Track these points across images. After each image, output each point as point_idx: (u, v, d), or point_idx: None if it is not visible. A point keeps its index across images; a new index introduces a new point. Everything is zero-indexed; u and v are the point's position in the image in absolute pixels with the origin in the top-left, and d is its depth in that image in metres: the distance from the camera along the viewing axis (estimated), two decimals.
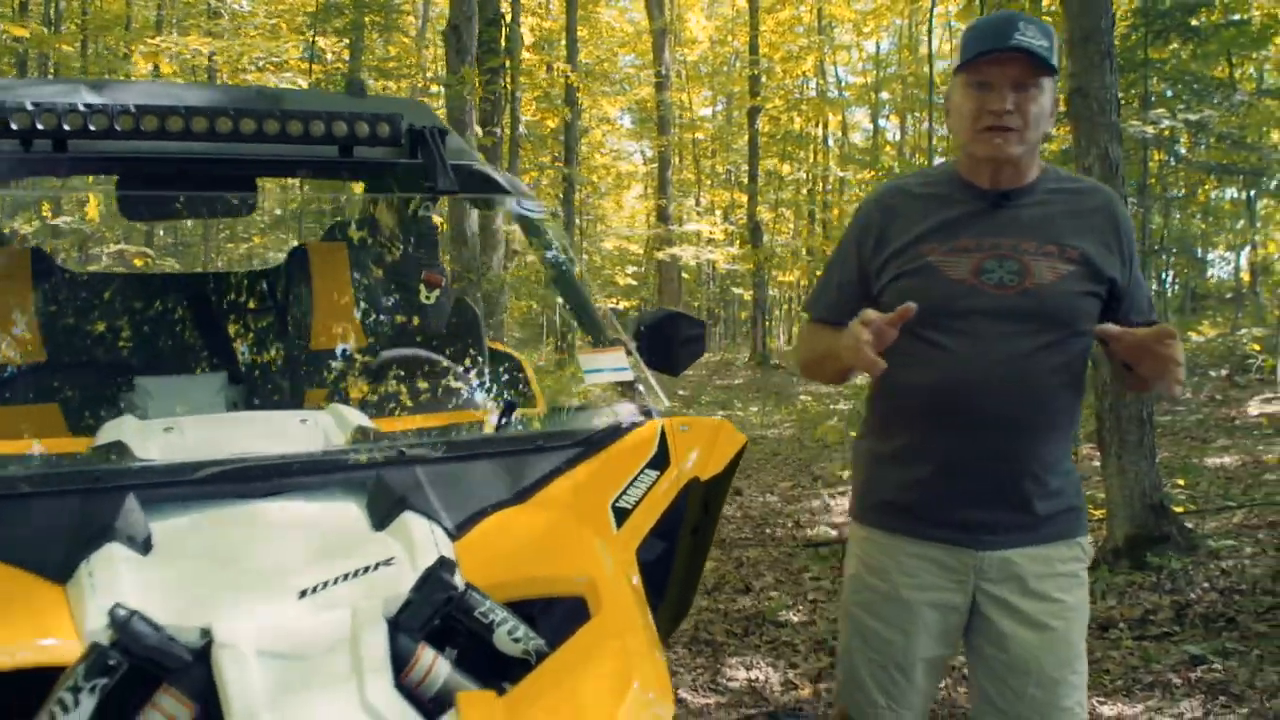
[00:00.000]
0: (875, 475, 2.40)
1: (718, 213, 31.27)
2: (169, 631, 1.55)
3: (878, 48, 33.36)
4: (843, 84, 33.12)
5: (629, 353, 2.36)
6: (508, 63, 14.14)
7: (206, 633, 1.57)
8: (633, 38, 26.55)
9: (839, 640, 2.50)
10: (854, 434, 2.74)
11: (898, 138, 32.29)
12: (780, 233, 29.69)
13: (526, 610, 1.82)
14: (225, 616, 1.59)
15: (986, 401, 2.24)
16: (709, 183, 33.39)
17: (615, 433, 2.19)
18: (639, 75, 27.11)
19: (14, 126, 2.17)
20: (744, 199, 24.89)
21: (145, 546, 1.76)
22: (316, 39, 14.15)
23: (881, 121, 33.30)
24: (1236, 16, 12.35)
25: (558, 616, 1.84)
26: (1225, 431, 9.34)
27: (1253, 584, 5.08)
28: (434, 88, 19.43)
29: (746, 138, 24.26)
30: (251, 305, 3.26)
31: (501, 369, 3.21)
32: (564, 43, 18.20)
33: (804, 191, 31.68)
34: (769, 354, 21.82)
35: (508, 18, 14.61)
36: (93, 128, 2.21)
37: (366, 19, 15.53)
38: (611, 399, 2.38)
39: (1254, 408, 9.98)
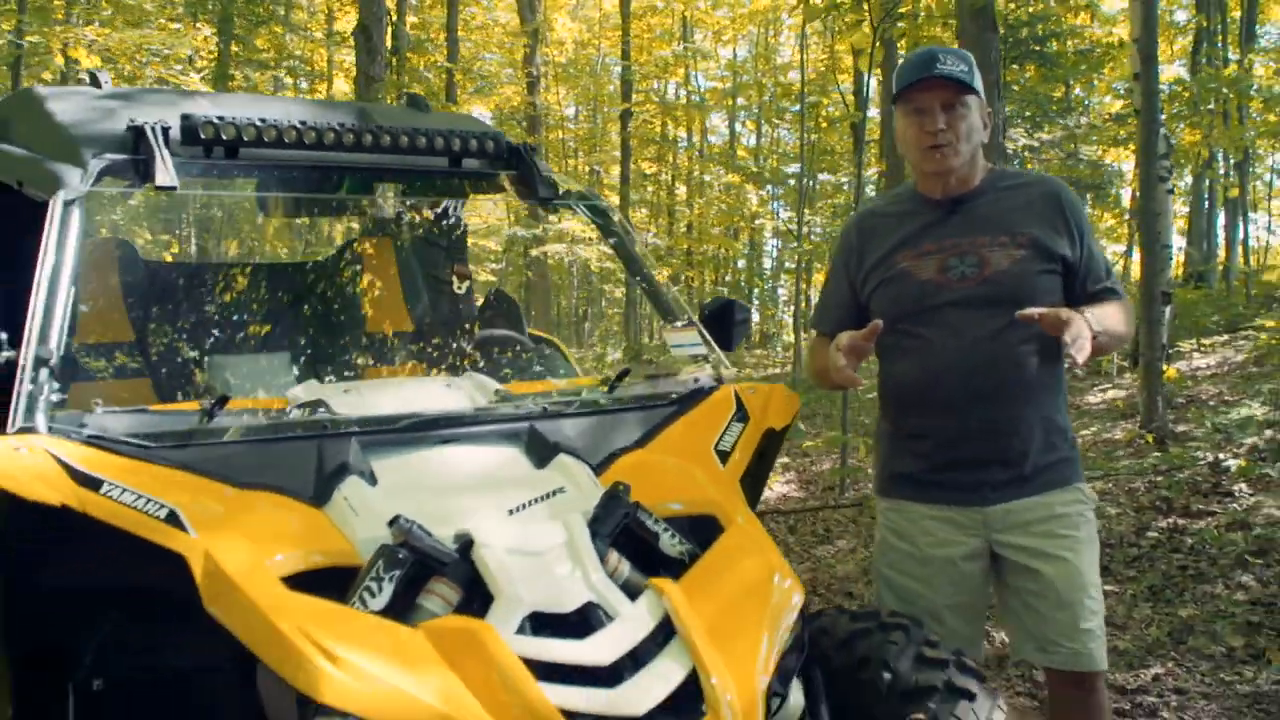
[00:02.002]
0: (889, 452, 2.88)
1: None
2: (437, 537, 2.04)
3: (734, 55, 34.33)
4: (702, 90, 34.00)
5: (700, 332, 2.91)
6: (394, 60, 14.42)
7: (463, 537, 2.07)
8: (502, 38, 26.81)
9: (877, 599, 2.94)
10: None
11: (753, 143, 33.39)
12: (651, 230, 30.36)
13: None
14: (473, 526, 2.09)
15: (965, 379, 2.64)
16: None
17: (700, 393, 2.75)
18: (503, 74, 27.32)
19: (202, 136, 2.59)
20: (615, 200, 25.45)
21: (372, 479, 2.23)
22: (203, 31, 14.14)
23: (738, 127, 34.25)
24: (1077, 45, 13.63)
25: (691, 530, 2.37)
26: (1073, 417, 10.41)
27: (1120, 539, 5.95)
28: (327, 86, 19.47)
29: (617, 139, 24.77)
30: (311, 292, 3.67)
31: (545, 350, 3.71)
32: (443, 40, 18.50)
33: (665, 193, 32.41)
34: (642, 349, 22.42)
35: (394, 16, 14.88)
36: (266, 140, 2.64)
37: (235, 12, 15.53)
38: (683, 368, 2.92)
39: (1094, 397, 11.08)
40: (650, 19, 26.98)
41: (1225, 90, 11.72)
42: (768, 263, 30.77)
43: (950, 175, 2.70)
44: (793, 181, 24.15)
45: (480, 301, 3.98)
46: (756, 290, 28.31)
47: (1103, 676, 2.76)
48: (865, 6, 8.78)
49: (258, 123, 2.63)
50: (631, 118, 23.81)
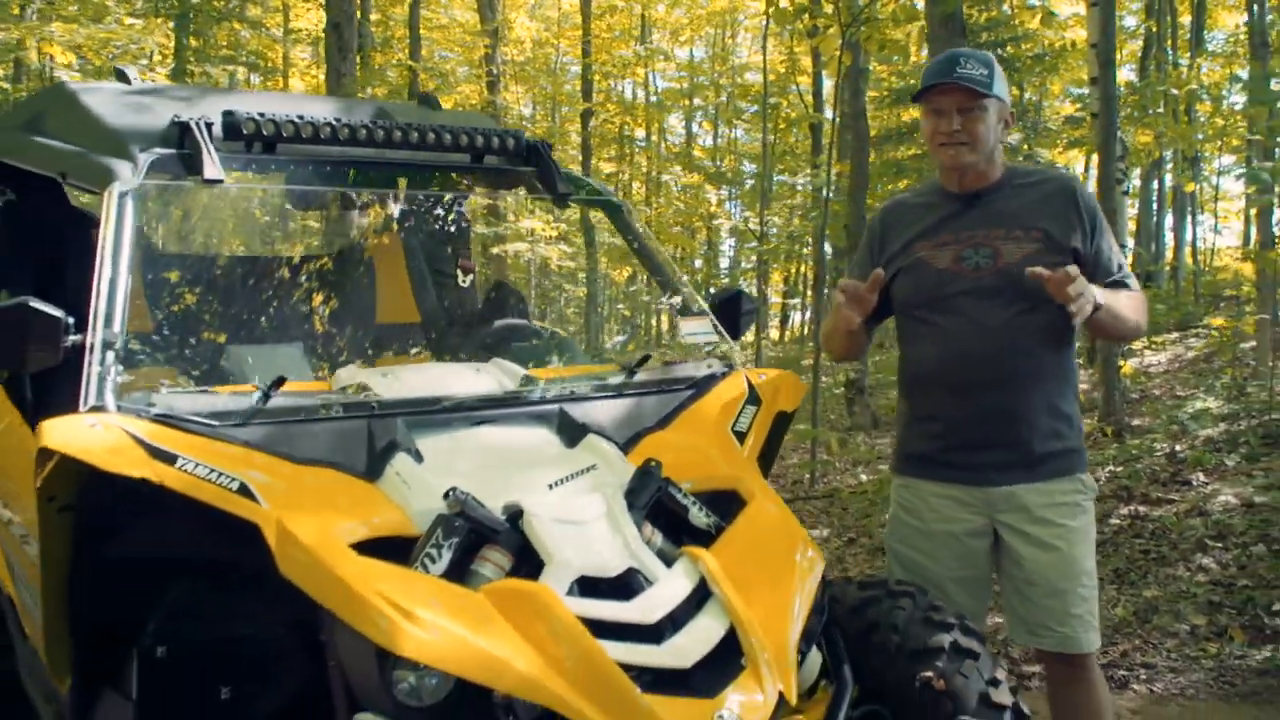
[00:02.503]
0: (905, 433, 3.04)
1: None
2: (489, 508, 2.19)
3: (691, 55, 34.54)
4: (659, 90, 34.18)
5: (712, 321, 3.07)
6: (359, 59, 14.43)
7: (512, 508, 2.21)
8: (462, 36, 26.82)
9: (886, 570, 3.09)
10: None
11: (710, 143, 33.64)
12: (609, 231, 30.47)
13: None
14: (520, 498, 2.23)
15: (976, 366, 2.78)
16: None
17: (714, 378, 2.91)
18: (459, 73, 27.32)
19: (244, 132, 2.71)
20: None
21: (419, 457, 2.37)
22: (165, 26, 14.09)
23: (695, 127, 34.47)
24: (1031, 50, 13.98)
25: (712, 504, 2.53)
26: None
27: None
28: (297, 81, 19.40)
29: (577, 138, 24.86)
30: (324, 285, 3.78)
31: (559, 339, 3.84)
32: (405, 38, 18.54)
33: (623, 192, 32.56)
34: (601, 347, 22.57)
35: (358, 14, 14.91)
36: (304, 136, 2.77)
37: (193, 9, 15.44)
38: (694, 355, 3.08)
39: None
40: (610, 19, 27.07)
41: (1176, 92, 12.06)
42: (725, 262, 31.03)
43: (965, 171, 2.85)
44: (751, 182, 24.40)
45: (483, 295, 4.11)
46: (714, 289, 28.53)
47: (1093, 656, 2.90)
48: (834, 11, 9.01)
49: (296, 119, 2.76)
50: (593, 116, 23.92)
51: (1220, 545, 5.62)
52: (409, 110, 3.55)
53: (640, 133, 31.62)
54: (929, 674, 2.41)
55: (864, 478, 9.06)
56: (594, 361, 3.65)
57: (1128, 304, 2.80)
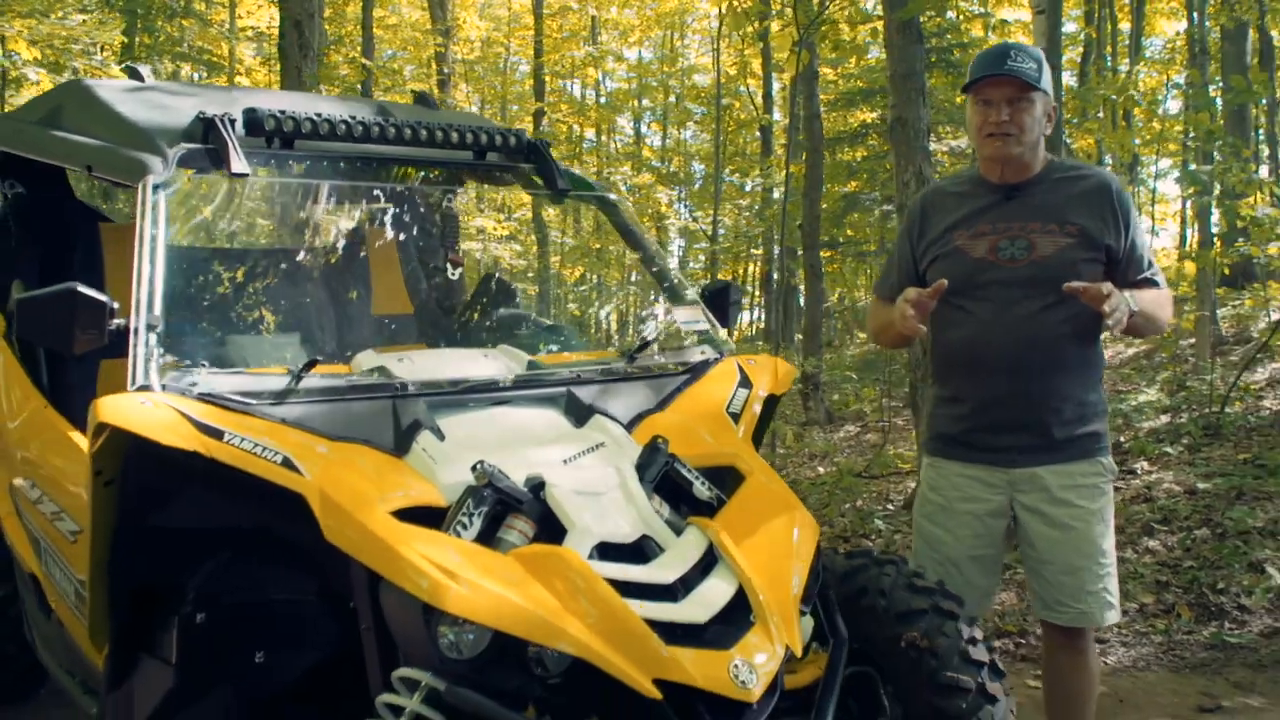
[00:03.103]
0: (935, 414, 3.16)
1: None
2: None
3: (640, 57, 34.71)
4: (608, 90, 34.32)
5: (704, 311, 3.25)
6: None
7: (534, 480, 2.37)
8: (414, 35, 26.79)
9: (913, 545, 3.23)
10: None
11: (658, 143, 33.84)
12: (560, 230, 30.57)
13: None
14: (541, 471, 2.39)
15: (1005, 353, 2.88)
16: None
17: (707, 364, 3.08)
18: (406, 71, 27.26)
19: (265, 128, 2.85)
20: (527, 198, 25.59)
21: (441, 435, 2.52)
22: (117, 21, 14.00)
23: (643, 128, 34.64)
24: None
25: (711, 479, 2.70)
26: None
27: None
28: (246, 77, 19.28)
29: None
30: (322, 277, 3.90)
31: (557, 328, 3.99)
32: (359, 37, 18.53)
33: None
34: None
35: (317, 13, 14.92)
36: (321, 132, 2.90)
37: (141, 5, 15.34)
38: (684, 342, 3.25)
39: None
40: (560, 19, 27.17)
41: (1115, 97, 12.44)
42: (673, 262, 31.26)
43: (1009, 162, 2.93)
44: (701, 182, 24.64)
45: (474, 287, 4.25)
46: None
47: (1090, 633, 3.06)
48: (792, 12, 9.24)
49: (314, 116, 2.89)
50: (544, 116, 24.02)
51: (1166, 529, 5.91)
52: (409, 109, 3.69)
53: (590, 133, 31.74)
54: (914, 634, 2.61)
55: (821, 470, 9.30)
56: (591, 349, 3.80)
57: (1157, 303, 2.91)
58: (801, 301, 12.09)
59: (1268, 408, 8.19)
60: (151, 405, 2.21)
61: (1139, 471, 7.06)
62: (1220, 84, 12.51)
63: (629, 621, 2.09)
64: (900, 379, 12.94)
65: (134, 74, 3.35)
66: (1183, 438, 7.65)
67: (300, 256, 3.85)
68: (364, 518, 2.13)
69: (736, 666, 2.12)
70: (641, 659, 2.05)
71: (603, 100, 30.68)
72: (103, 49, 13.78)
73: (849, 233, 15.80)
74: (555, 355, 3.25)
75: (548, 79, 27.89)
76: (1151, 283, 2.95)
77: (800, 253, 13.10)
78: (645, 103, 32.34)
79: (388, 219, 4.02)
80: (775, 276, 14.02)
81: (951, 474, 3.07)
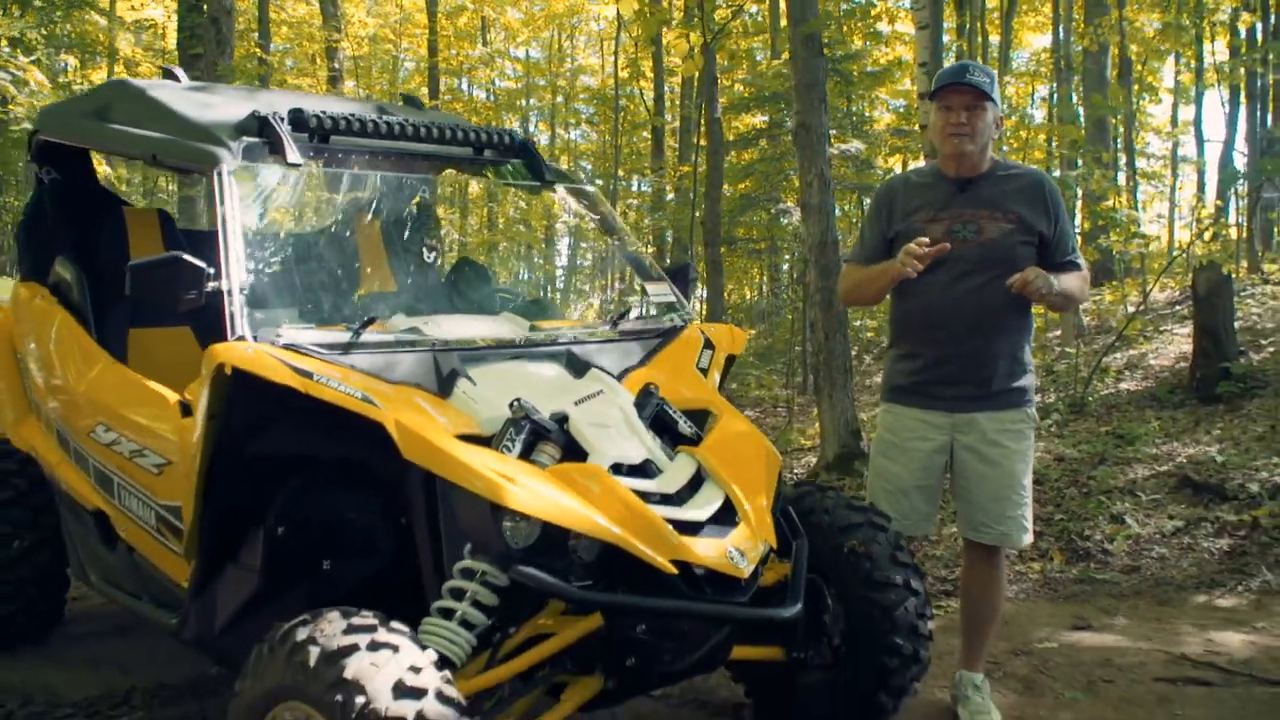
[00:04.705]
0: (892, 369, 3.72)
1: None
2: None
3: (527, 56, 35.06)
4: (497, 89, 34.58)
5: (670, 286, 3.83)
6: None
7: (558, 414, 2.92)
8: (306, 30, 26.74)
9: (868, 479, 3.80)
10: None
11: (545, 142, 34.22)
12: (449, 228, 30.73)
13: None
14: (563, 408, 2.95)
15: (954, 318, 3.44)
16: None
17: (677, 329, 3.67)
18: (287, 64, 27.14)
19: (310, 125, 3.33)
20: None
21: (473, 382, 3.05)
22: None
23: (531, 127, 34.93)
24: (862, 67, 15.28)
25: (692, 420, 3.28)
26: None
27: None
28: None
29: None
30: (318, 258, 4.35)
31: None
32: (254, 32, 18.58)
33: (461, 191, 32.82)
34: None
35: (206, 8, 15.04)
36: (354, 129, 3.40)
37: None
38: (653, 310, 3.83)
39: None
40: (457, 19, 27.42)
41: None
42: (561, 260, 31.76)
43: (964, 159, 3.48)
44: (601, 181, 25.19)
45: (449, 269, 4.74)
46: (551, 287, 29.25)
47: (1003, 553, 3.69)
48: (699, 20, 9.89)
49: (348, 116, 3.39)
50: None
51: (1040, 488, 6.71)
52: (397, 109, 4.17)
53: None
54: (854, 542, 3.25)
55: None
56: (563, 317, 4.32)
57: (1076, 284, 3.49)
58: (703, 295, 12.77)
59: (1125, 389, 9.14)
60: (254, 351, 2.70)
61: None
62: (1083, 97, 13.61)
63: (647, 517, 2.66)
64: (794, 370, 13.75)
65: (170, 75, 3.79)
66: (1052, 414, 8.53)
67: (343, 232, 4.31)
68: (435, 440, 2.66)
69: (731, 551, 2.71)
70: (659, 545, 2.62)
71: (494, 99, 30.95)
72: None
73: (740, 231, 16.57)
74: (549, 320, 3.79)
75: (441, 77, 28.09)
76: (1074, 265, 3.52)
77: (701, 249, 13.78)
78: (532, 102, 32.73)
79: (380, 205, 4.48)
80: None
81: (905, 417, 3.64)
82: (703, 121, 12.66)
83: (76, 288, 3.75)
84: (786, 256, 19.60)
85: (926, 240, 3.39)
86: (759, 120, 17.57)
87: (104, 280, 3.84)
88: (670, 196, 18.85)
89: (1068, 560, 5.74)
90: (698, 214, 11.29)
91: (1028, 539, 3.66)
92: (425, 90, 25.99)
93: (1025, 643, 4.43)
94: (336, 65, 25.09)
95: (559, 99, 31.53)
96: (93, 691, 3.86)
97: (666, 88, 22.48)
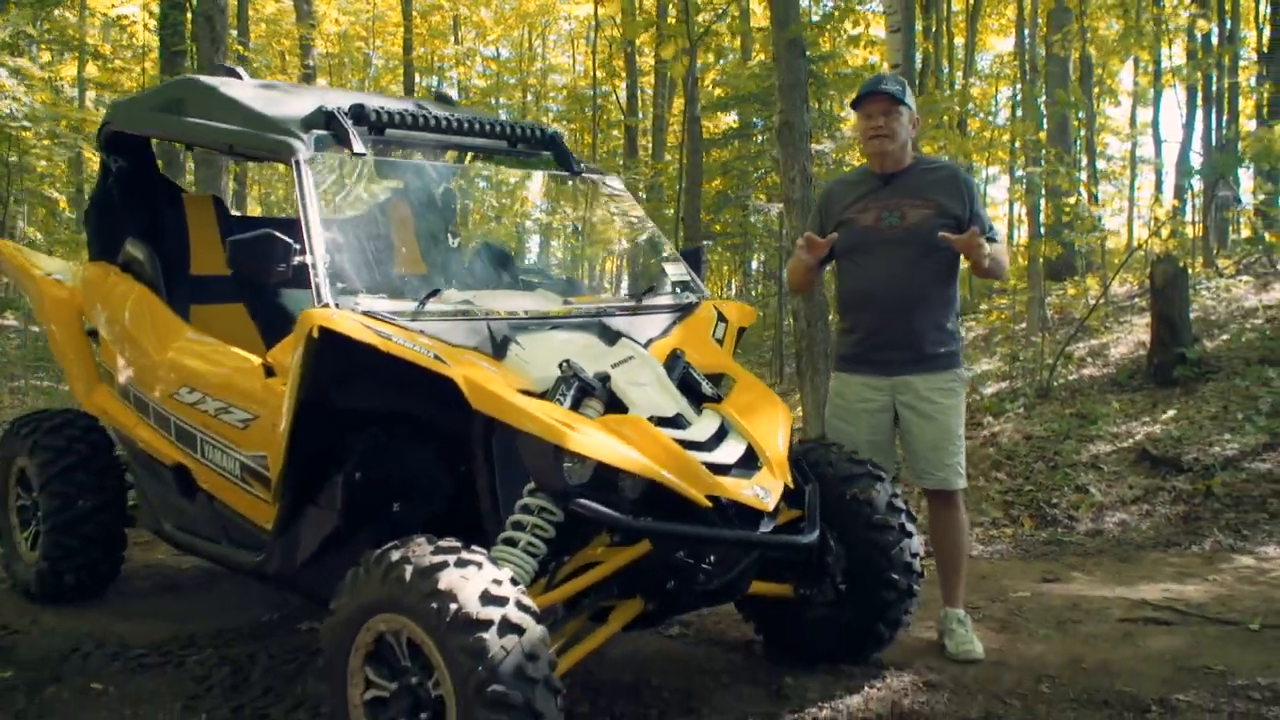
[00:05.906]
0: (839, 341, 4.25)
1: None
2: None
3: (498, 54, 35.30)
4: (470, 87, 34.81)
5: (686, 267, 4.24)
6: (194, 48, 14.88)
7: (601, 374, 3.32)
8: (282, 27, 26.92)
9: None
10: None
11: None
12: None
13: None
14: (605, 369, 3.35)
15: (886, 294, 3.98)
16: None
17: (693, 305, 4.07)
18: (258, 62, 27.28)
19: (371, 119, 3.71)
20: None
21: (522, 347, 3.45)
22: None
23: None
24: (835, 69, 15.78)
25: (712, 382, 3.69)
26: None
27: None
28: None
29: None
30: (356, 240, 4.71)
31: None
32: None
33: None
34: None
35: (192, 4, 15.30)
36: (407, 123, 3.79)
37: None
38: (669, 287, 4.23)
39: None
40: (431, 18, 27.67)
41: (956, 107, 13.94)
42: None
43: (886, 157, 4.05)
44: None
45: (471, 253, 5.12)
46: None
47: (960, 495, 4.14)
48: (684, 22, 10.31)
49: (402, 110, 3.77)
50: None
51: (1010, 463, 7.20)
52: (440, 106, 4.55)
53: None
54: (856, 490, 3.67)
55: None
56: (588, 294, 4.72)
57: (1002, 255, 4.02)
58: None
59: (1087, 374, 9.65)
60: (340, 316, 3.09)
61: (985, 425, 8.38)
62: (1046, 97, 14.16)
63: (684, 458, 3.07)
64: (772, 359, 14.20)
65: (232, 73, 4.16)
66: (1019, 399, 9.02)
67: (399, 214, 4.69)
68: (503, 393, 3.05)
69: (756, 488, 3.13)
70: (696, 482, 3.03)
71: (469, 97, 31.20)
72: None
73: (717, 228, 17.02)
74: (581, 296, 4.19)
75: (416, 75, 28.32)
76: (994, 240, 3.97)
77: (681, 245, 14.22)
78: (502, 100, 33.01)
79: (411, 193, 4.86)
80: None
81: (851, 383, 4.16)
82: (683, 120, 13.09)
83: (149, 265, 4.12)
84: (760, 255, 20.10)
85: (813, 235, 4.00)
86: (731, 120, 18.01)
87: (168, 260, 4.21)
88: (643, 195, 19.27)
89: (1037, 525, 6.22)
90: (678, 210, 11.68)
91: (962, 483, 4.13)
92: (396, 88, 26.25)
93: (1001, 592, 4.88)
94: (310, 62, 25.26)
95: (529, 97, 31.79)
96: (158, 637, 4.22)
97: (638, 88, 22.95)
